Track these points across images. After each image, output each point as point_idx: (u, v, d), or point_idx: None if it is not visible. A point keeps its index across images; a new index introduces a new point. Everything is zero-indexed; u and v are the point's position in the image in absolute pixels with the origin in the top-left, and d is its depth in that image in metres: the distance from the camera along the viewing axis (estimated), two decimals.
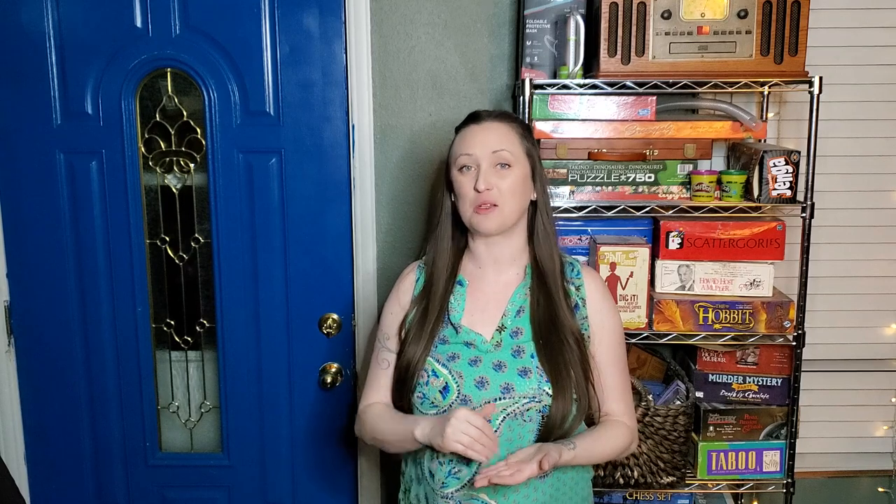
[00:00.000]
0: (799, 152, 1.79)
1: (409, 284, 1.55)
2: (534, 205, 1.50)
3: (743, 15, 1.73)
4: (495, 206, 1.41)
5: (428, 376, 1.43)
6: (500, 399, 1.40)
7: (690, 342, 1.86)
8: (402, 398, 1.48)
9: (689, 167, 1.86)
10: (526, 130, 1.50)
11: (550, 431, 1.39)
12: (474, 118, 1.49)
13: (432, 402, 1.42)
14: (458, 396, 1.41)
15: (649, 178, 1.85)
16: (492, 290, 1.50)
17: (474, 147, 1.44)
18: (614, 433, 1.48)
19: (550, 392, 1.38)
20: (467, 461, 1.40)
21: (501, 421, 1.40)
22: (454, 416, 1.29)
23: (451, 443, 1.29)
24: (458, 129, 1.51)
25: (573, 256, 1.59)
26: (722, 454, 1.94)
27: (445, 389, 1.42)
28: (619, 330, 1.54)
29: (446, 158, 1.51)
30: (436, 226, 1.53)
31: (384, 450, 1.57)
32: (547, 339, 1.43)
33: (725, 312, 1.82)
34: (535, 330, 1.44)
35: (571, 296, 1.48)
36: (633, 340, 1.84)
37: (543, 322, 1.44)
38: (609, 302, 1.53)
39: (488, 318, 1.47)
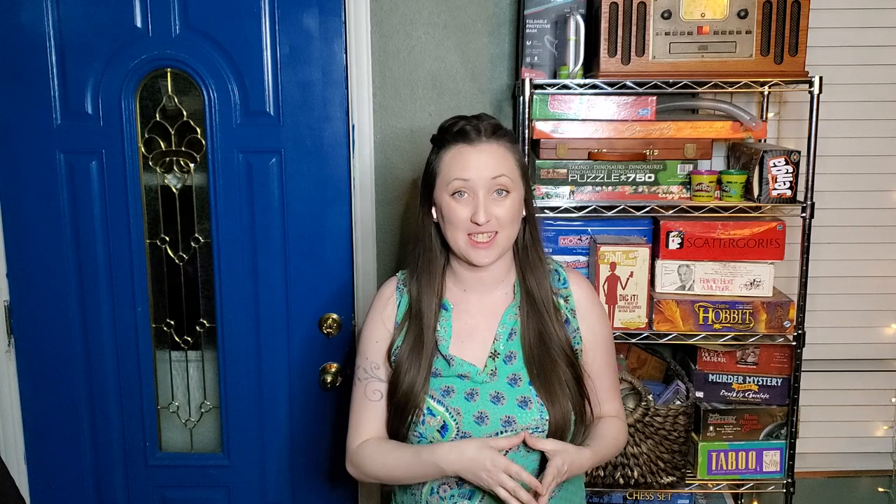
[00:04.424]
0: (799, 152, 1.79)
1: (391, 309, 1.45)
2: (523, 221, 1.42)
3: (743, 15, 1.73)
4: (495, 234, 1.34)
5: (424, 415, 1.35)
6: (501, 433, 1.35)
7: (690, 342, 1.86)
8: (398, 431, 1.39)
9: (689, 167, 1.86)
10: (516, 144, 1.42)
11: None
12: (464, 137, 1.35)
13: (430, 441, 1.36)
14: (457, 434, 1.35)
15: (649, 178, 1.85)
16: (479, 314, 1.42)
17: (470, 172, 1.33)
18: (616, 431, 1.47)
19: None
20: (469, 496, 1.37)
21: (505, 453, 1.33)
22: (486, 460, 1.26)
23: (496, 487, 1.26)
24: (439, 143, 1.38)
25: (555, 260, 1.52)
26: (722, 454, 1.94)
27: (444, 428, 1.35)
28: (609, 333, 1.50)
29: (425, 175, 1.40)
30: (416, 249, 1.43)
31: (392, 483, 1.46)
32: (540, 364, 1.37)
33: (725, 312, 1.82)
34: (528, 354, 1.38)
35: (561, 309, 1.43)
36: (633, 340, 1.84)
37: (535, 345, 1.38)
38: (598, 307, 1.49)
39: (478, 344, 1.40)
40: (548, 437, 1.35)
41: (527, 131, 1.77)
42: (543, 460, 1.36)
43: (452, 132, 1.37)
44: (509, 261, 1.43)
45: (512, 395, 1.37)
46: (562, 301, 1.44)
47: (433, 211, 1.40)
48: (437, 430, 1.36)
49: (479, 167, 1.33)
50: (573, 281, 1.47)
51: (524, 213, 1.41)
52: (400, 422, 1.38)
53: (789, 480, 1.91)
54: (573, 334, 1.43)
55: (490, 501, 1.36)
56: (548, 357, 1.37)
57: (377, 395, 1.42)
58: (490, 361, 1.39)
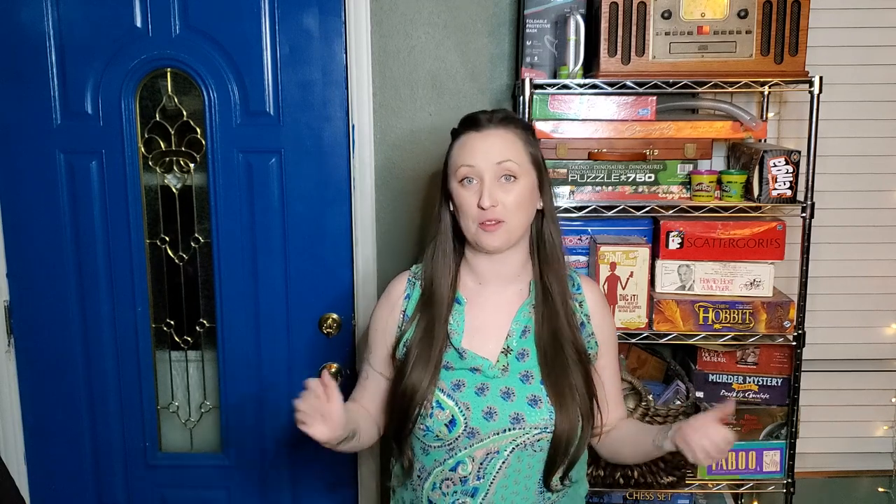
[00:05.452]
0: (799, 152, 1.79)
1: (398, 299, 1.45)
2: (540, 213, 1.40)
3: (743, 15, 1.73)
4: (501, 222, 1.33)
5: (432, 408, 1.34)
6: (509, 430, 1.35)
7: (690, 342, 1.86)
8: (402, 425, 1.37)
9: (689, 167, 1.86)
10: (530, 134, 1.41)
11: (556, 457, 1.35)
12: (473, 124, 1.38)
13: (437, 436, 1.35)
14: (465, 429, 1.34)
15: (649, 178, 1.85)
16: (492, 308, 1.41)
17: (475, 158, 1.34)
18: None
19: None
20: (472, 493, 1.36)
21: (510, 452, 1.34)
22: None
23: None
24: (455, 134, 1.41)
25: (568, 264, 1.50)
26: None
27: (452, 422, 1.34)
28: (616, 337, 1.53)
29: (443, 167, 1.41)
30: (433, 240, 1.42)
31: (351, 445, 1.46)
32: (553, 366, 1.36)
33: (725, 312, 1.82)
34: (541, 353, 1.38)
35: (576, 313, 1.42)
36: (633, 340, 1.84)
37: (549, 346, 1.38)
38: (609, 313, 1.50)
39: (490, 337, 1.39)
40: (552, 443, 1.34)
41: None
42: (546, 461, 1.36)
43: (464, 121, 1.40)
44: (526, 255, 1.43)
45: (522, 392, 1.36)
46: (576, 305, 1.44)
47: (450, 202, 1.41)
48: (445, 425, 1.34)
49: (484, 153, 1.34)
50: (586, 286, 1.47)
51: (540, 205, 1.40)
52: (405, 414, 1.36)
53: (789, 480, 1.91)
54: (587, 339, 1.43)
55: (493, 498, 1.36)
56: (561, 360, 1.37)
57: (364, 376, 1.51)
58: (502, 357, 1.38)
